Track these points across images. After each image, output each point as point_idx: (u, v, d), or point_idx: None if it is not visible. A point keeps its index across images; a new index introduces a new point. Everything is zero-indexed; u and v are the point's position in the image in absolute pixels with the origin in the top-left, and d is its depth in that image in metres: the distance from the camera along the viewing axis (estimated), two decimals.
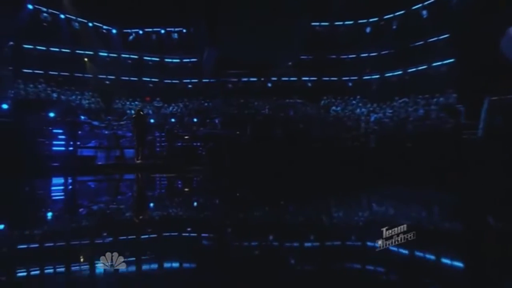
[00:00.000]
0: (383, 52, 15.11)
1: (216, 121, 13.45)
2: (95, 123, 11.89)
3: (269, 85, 17.27)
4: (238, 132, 11.95)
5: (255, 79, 17.23)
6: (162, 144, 11.88)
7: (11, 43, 14.77)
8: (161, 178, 7.43)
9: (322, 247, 2.68)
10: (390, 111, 11.40)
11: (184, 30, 17.12)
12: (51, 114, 10.35)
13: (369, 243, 2.61)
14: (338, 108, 13.74)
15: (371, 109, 12.69)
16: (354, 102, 14.22)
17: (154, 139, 11.86)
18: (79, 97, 15.22)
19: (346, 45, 15.64)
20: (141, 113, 9.21)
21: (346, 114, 12.99)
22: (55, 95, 14.60)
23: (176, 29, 17.07)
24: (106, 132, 11.78)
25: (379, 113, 11.86)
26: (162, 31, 17.11)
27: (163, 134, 11.80)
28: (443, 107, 9.56)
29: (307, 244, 2.77)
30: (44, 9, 15.66)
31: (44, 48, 15.92)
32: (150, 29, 17.00)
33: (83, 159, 9.21)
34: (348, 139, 11.07)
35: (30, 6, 15.06)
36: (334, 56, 16.23)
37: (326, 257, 2.40)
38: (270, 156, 8.64)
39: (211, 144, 10.25)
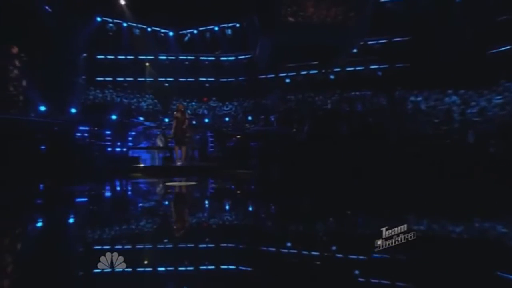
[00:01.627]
0: (478, 25, 11.93)
1: (272, 118, 12.34)
2: (147, 123, 11.70)
3: (332, 77, 15.43)
4: (294, 130, 10.57)
5: (315, 71, 15.56)
6: (212, 144, 11.09)
7: (85, 54, 15.84)
8: (190, 185, 6.34)
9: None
10: (498, 97, 8.62)
11: (238, 25, 16.33)
12: (110, 117, 10.39)
13: None
14: (419, 98, 11.22)
15: (465, 96, 9.93)
16: (437, 90, 11.50)
17: (204, 139, 11.14)
18: (139, 100, 15.66)
19: (425, 22, 12.81)
20: (182, 110, 8.38)
21: (430, 105, 10.47)
22: (118, 99, 15.24)
23: (230, 25, 16.41)
24: (158, 132, 11.50)
25: (480, 101, 9.13)
26: (216, 28, 16.63)
27: (212, 133, 11.01)
28: None
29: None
30: (110, 20, 16.43)
31: (112, 56, 16.79)
32: (204, 28, 16.66)
33: (126, 161, 8.77)
34: (436, 136, 8.79)
35: (98, 19, 15.97)
36: (408, 38, 13.55)
37: None
38: (333, 157, 7.13)
39: (261, 143, 9.03)
